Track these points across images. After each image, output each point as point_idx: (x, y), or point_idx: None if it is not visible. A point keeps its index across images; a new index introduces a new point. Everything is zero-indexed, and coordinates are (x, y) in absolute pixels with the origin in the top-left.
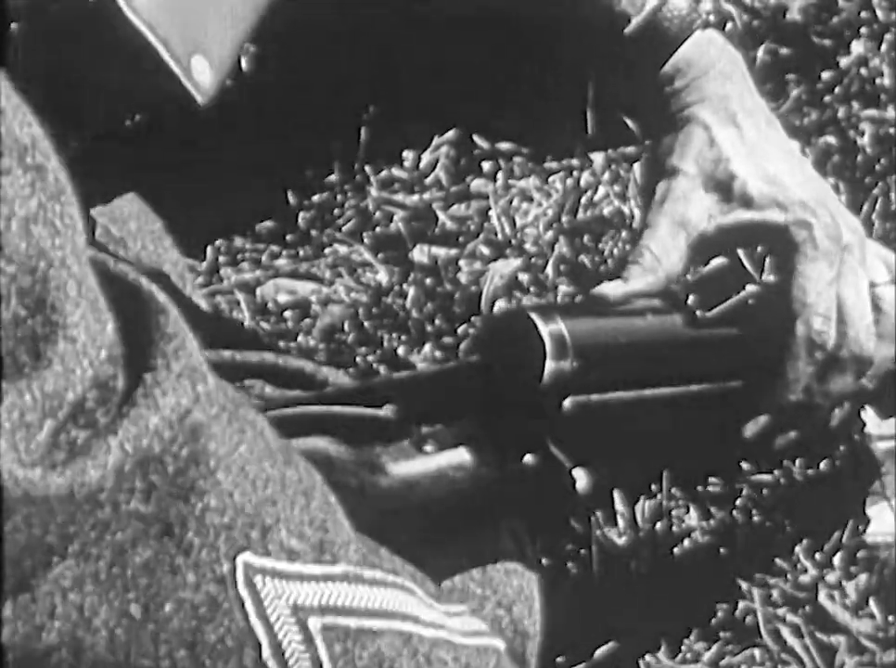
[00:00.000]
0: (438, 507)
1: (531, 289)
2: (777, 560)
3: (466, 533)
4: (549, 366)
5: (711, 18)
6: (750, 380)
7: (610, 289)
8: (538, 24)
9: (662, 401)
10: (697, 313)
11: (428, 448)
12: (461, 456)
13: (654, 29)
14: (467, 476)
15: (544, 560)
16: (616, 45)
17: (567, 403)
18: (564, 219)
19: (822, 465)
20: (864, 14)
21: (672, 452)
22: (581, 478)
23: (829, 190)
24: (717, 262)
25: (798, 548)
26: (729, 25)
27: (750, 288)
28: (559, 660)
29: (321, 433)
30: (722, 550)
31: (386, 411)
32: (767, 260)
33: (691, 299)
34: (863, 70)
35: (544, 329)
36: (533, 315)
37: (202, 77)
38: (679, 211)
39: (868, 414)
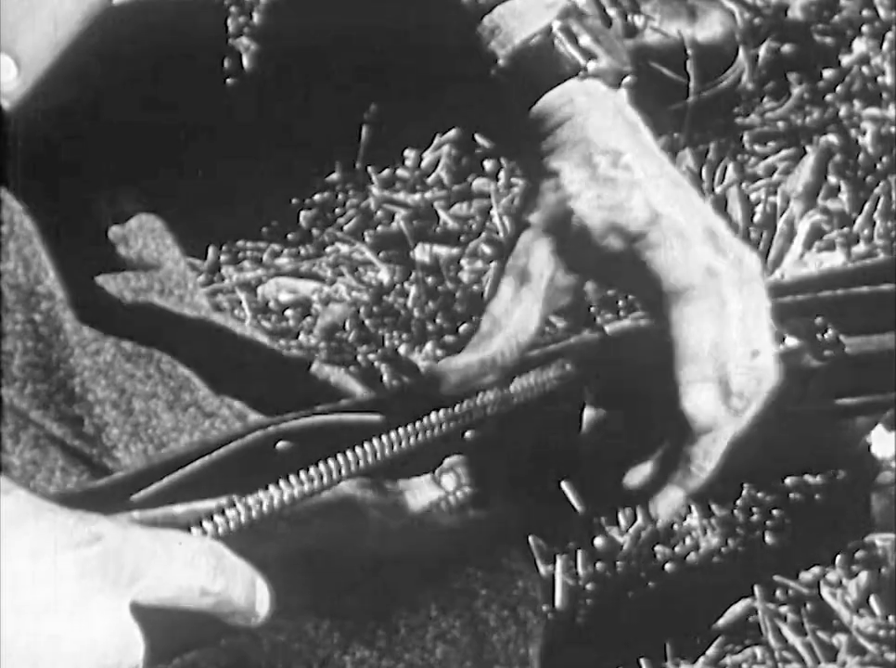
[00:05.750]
0: (445, 544)
1: None
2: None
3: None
4: (587, 413)
5: (592, 67)
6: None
7: (445, 362)
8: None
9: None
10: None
11: (445, 483)
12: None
13: (521, 72)
14: (477, 515)
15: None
16: (482, 87)
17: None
18: None
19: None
20: (865, 12)
21: None
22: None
23: (712, 218)
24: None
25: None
26: (628, 79)
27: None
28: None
29: (340, 444)
30: (723, 549)
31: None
32: None
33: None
34: (864, 69)
35: None
36: None
37: (6, 77)
38: (519, 266)
39: (875, 432)
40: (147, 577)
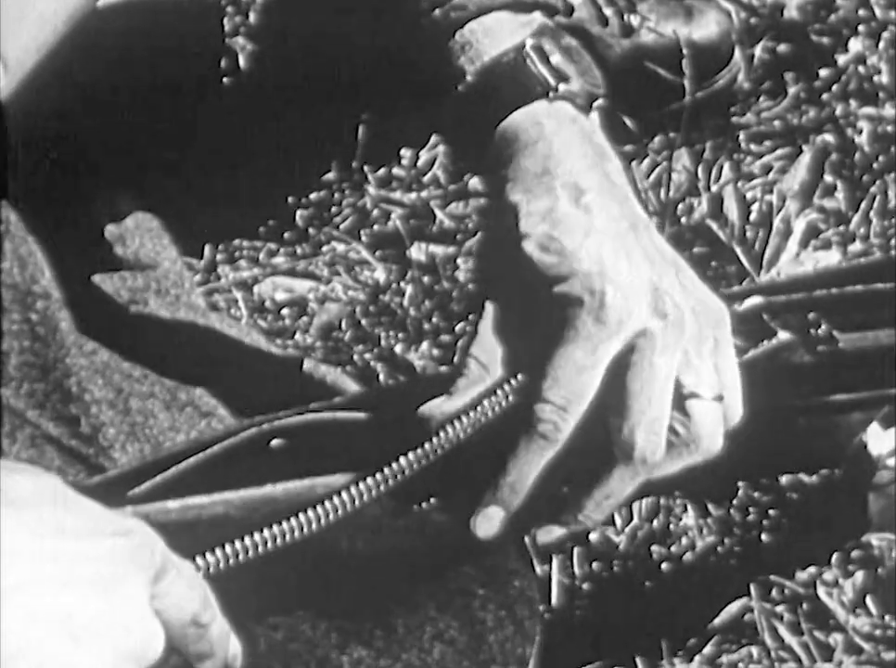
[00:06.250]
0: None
1: None
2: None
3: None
4: None
5: (563, 88)
6: None
7: (435, 406)
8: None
9: None
10: None
11: None
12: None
13: (488, 89)
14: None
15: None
16: (449, 101)
17: None
18: None
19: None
20: (861, 12)
21: None
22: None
23: (663, 267)
24: None
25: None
26: (600, 102)
27: None
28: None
29: (333, 445)
30: (720, 549)
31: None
32: None
33: None
34: (860, 68)
35: None
36: None
37: None
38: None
39: (871, 430)
40: (163, 581)
